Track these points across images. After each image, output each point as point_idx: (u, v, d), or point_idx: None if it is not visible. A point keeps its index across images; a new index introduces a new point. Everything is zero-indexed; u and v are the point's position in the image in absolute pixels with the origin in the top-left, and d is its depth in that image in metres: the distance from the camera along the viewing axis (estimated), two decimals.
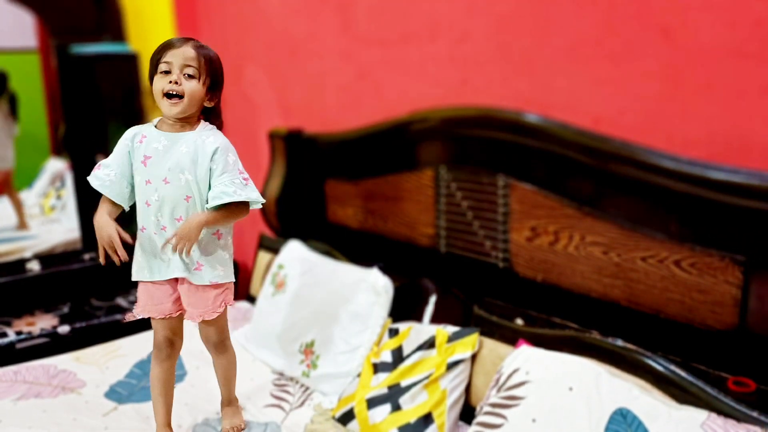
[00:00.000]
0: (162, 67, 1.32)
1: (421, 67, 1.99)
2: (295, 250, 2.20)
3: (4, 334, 2.30)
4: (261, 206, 1.46)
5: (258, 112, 2.74)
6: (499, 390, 1.46)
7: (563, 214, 1.59)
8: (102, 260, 1.36)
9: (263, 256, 2.42)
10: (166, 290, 1.45)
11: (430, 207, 1.96)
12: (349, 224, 2.29)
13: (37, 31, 3.14)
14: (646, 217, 1.43)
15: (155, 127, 1.39)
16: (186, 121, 1.37)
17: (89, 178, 1.38)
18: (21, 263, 2.66)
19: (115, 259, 1.34)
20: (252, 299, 2.38)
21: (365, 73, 2.20)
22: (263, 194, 2.46)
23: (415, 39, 1.98)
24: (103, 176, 1.37)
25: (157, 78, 1.33)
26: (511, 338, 1.60)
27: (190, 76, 1.32)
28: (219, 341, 1.54)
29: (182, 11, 2.94)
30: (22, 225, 2.97)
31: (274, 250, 2.33)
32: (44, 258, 2.72)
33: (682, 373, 1.31)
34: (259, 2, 2.61)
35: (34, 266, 2.65)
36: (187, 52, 1.32)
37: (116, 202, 1.37)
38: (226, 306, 1.47)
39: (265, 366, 1.97)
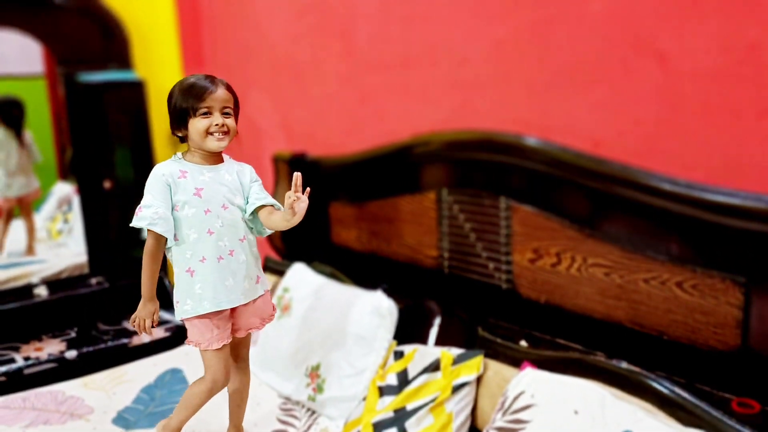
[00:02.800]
0: (202, 110, 1.40)
1: (421, 91, 2.02)
2: (300, 272, 2.21)
3: (12, 360, 2.32)
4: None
5: (262, 136, 2.77)
6: (504, 413, 1.46)
7: (565, 236, 1.61)
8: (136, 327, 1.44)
9: (268, 279, 2.44)
10: (226, 315, 1.48)
11: (433, 229, 1.98)
12: (353, 246, 2.31)
13: (43, 57, 3.19)
14: (647, 239, 1.45)
15: (187, 161, 1.45)
16: (217, 155, 1.48)
17: (135, 223, 1.36)
18: (28, 288, 2.68)
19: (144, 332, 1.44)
20: None
21: (367, 98, 2.23)
22: None
23: (416, 64, 2.01)
24: (150, 215, 1.36)
25: (198, 120, 1.41)
26: (515, 360, 1.61)
27: (228, 115, 1.43)
28: (248, 354, 1.62)
29: (187, 38, 2.99)
30: (29, 251, 2.99)
31: (280, 272, 2.34)
32: (51, 283, 2.74)
33: (687, 396, 1.32)
34: (262, 29, 2.66)
35: (42, 291, 2.67)
36: (224, 94, 1.43)
37: (166, 236, 1.38)
38: None
39: (271, 390, 1.98)
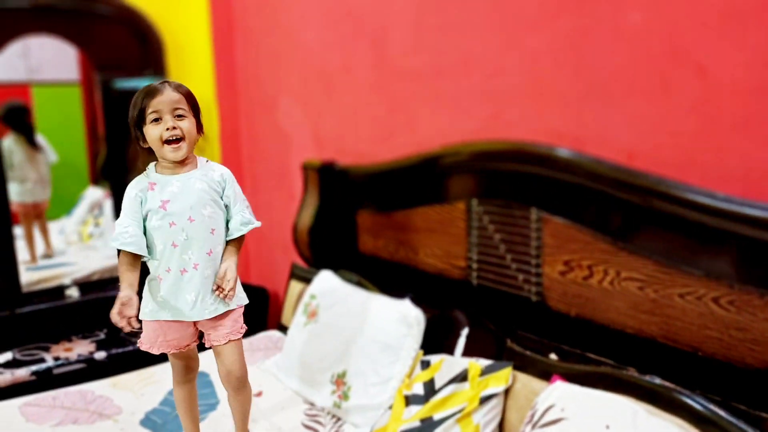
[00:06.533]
0: (151, 116, 1.35)
1: (453, 101, 2.02)
2: (326, 280, 2.22)
3: (42, 360, 2.36)
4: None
5: (292, 144, 2.79)
6: (533, 426, 1.44)
7: (598, 249, 1.59)
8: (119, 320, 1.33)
9: (295, 286, 2.45)
10: (184, 326, 1.46)
11: (461, 239, 1.97)
12: (381, 255, 2.31)
13: (79, 65, 3.27)
14: (683, 254, 1.42)
15: (157, 173, 1.41)
16: (188, 161, 1.42)
17: (112, 243, 1.37)
18: (60, 289, 2.73)
19: (123, 325, 1.33)
20: (284, 328, 2.40)
21: (398, 107, 2.24)
22: (296, 225, 2.52)
23: (448, 73, 2.02)
24: (121, 234, 1.36)
25: (150, 127, 1.36)
26: (545, 373, 1.59)
27: (181, 116, 1.37)
28: (242, 375, 1.53)
29: (220, 47, 3.04)
30: (48, 250, 3.03)
31: (306, 279, 2.35)
32: (83, 284, 2.79)
33: (722, 413, 1.29)
34: (294, 37, 2.69)
35: (73, 293, 2.72)
36: (172, 95, 1.36)
37: (140, 254, 1.38)
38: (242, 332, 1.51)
39: (296, 396, 1.98)
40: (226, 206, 1.45)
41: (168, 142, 1.36)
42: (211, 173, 1.43)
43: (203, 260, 1.40)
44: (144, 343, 1.47)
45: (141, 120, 1.37)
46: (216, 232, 1.42)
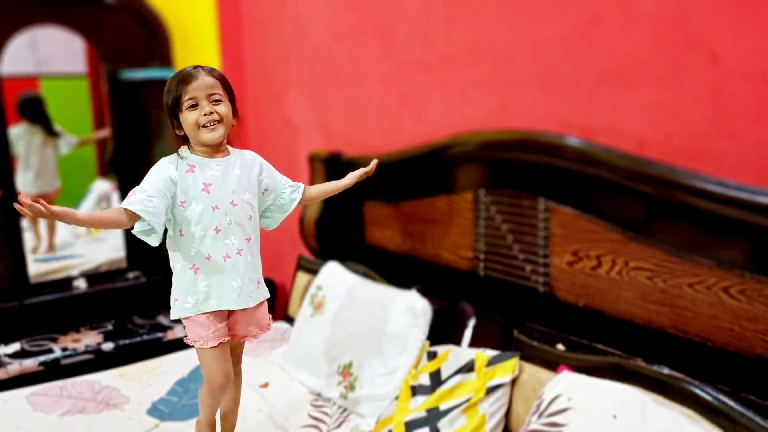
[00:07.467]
0: (188, 102, 1.33)
1: (462, 91, 2.00)
2: (333, 271, 2.21)
3: (50, 350, 2.37)
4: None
5: (298, 136, 2.79)
6: (540, 416, 1.43)
7: (607, 239, 1.57)
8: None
9: (302, 277, 2.44)
10: (223, 317, 1.41)
11: (469, 230, 1.96)
12: (388, 246, 2.30)
13: (86, 58, 3.27)
14: (694, 243, 1.41)
15: (193, 155, 1.38)
16: (223, 146, 1.40)
17: (127, 204, 1.26)
18: (68, 281, 2.73)
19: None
20: (290, 320, 2.40)
21: (406, 98, 2.22)
22: (303, 216, 2.52)
23: (457, 63, 2.00)
24: (146, 201, 1.27)
25: (186, 113, 1.33)
26: (552, 364, 1.58)
27: (218, 101, 1.35)
28: (239, 368, 1.55)
29: (227, 38, 3.03)
30: (50, 248, 3.03)
31: (313, 271, 2.35)
32: (90, 276, 2.79)
33: (732, 403, 1.28)
34: (302, 28, 2.68)
35: (81, 284, 2.72)
36: (208, 80, 1.34)
37: (156, 228, 1.29)
38: None
39: (302, 386, 1.98)
40: (267, 189, 1.46)
41: (204, 126, 1.34)
42: (243, 158, 1.42)
43: (245, 246, 1.39)
44: (197, 341, 1.38)
45: (177, 107, 1.34)
46: (253, 219, 1.41)
